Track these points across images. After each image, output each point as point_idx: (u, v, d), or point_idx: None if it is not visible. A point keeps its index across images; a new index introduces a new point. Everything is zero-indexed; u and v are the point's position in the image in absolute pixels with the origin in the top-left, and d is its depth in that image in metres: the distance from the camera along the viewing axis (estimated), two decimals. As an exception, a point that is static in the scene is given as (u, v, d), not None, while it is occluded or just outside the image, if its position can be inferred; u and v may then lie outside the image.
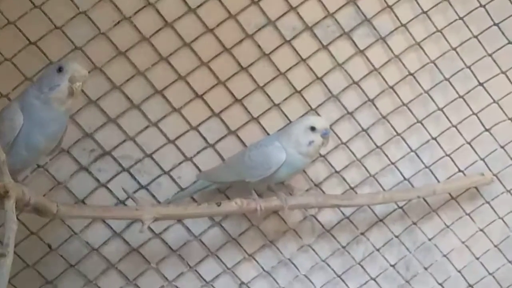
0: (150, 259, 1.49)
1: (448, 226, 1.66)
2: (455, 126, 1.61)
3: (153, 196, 1.46)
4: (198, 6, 1.41)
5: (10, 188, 1.00)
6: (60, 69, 1.11)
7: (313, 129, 1.34)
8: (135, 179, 1.45)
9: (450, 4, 1.55)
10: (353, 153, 1.57)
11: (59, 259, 1.42)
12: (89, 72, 1.16)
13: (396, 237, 1.64)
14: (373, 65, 1.55)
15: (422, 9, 1.55)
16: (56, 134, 1.15)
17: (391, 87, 1.57)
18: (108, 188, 1.43)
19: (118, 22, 1.38)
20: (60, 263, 1.43)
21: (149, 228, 1.35)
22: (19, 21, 1.32)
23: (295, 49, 1.50)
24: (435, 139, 1.61)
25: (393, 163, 1.60)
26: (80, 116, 1.38)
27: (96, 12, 1.36)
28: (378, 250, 1.63)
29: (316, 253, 1.60)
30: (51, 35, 1.35)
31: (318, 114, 1.51)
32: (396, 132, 1.59)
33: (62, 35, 1.35)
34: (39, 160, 1.30)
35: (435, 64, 1.58)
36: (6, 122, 1.10)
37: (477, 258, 1.69)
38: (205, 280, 1.53)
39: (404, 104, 1.58)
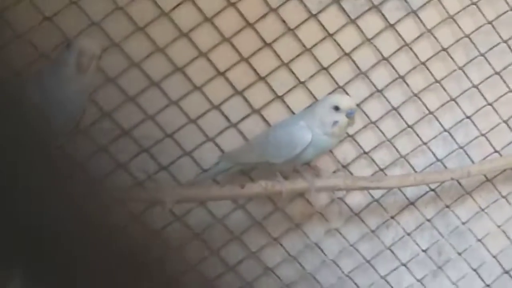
0: (172, 243, 1.45)
1: (483, 209, 1.60)
2: (491, 104, 1.55)
3: (174, 177, 1.42)
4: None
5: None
6: (68, 45, 1.08)
7: (337, 108, 1.27)
8: (155, 160, 1.40)
9: (486, -25, 1.49)
10: (383, 133, 1.51)
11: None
12: (106, 49, 1.12)
13: (428, 220, 1.58)
14: (404, 40, 1.48)
15: (456, -19, 1.48)
16: (72, 114, 1.13)
17: (423, 63, 1.51)
18: (127, 170, 1.39)
19: (137, -4, 1.33)
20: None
21: (170, 211, 1.31)
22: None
23: (321, 24, 1.44)
24: (469, 117, 1.55)
25: (425, 143, 1.54)
26: (98, 94, 1.34)
27: (114, -15, 1.32)
28: (409, 234, 1.58)
29: (344, 237, 1.54)
30: (67, 10, 1.30)
31: (346, 92, 1.46)
32: (429, 111, 1.53)
33: (78, 11, 1.31)
34: (57, 141, 1.26)
35: (470, 39, 1.52)
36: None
37: (514, 243, 1.62)
38: (228, 265, 1.49)
39: (437, 81, 1.52)
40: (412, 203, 1.57)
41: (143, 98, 1.38)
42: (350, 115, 1.28)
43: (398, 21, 1.47)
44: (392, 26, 1.47)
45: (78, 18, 1.31)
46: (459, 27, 1.51)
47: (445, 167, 1.56)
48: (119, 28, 1.34)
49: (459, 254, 1.61)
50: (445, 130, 1.55)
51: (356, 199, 1.54)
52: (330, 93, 1.44)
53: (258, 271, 1.51)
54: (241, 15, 1.39)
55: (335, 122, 1.28)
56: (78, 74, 1.08)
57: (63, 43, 1.20)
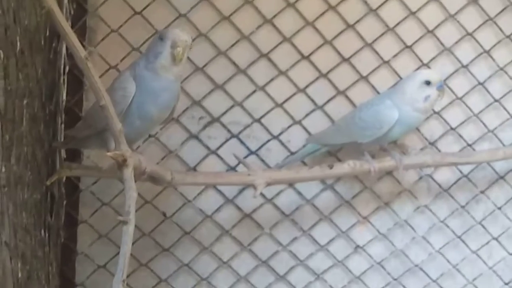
0: (263, 224, 1.48)
1: None
2: None
3: (263, 161, 1.45)
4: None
5: (128, 156, 1.01)
6: (161, 37, 1.11)
7: (428, 83, 1.28)
8: (244, 144, 1.44)
9: None
10: (469, 108, 1.50)
11: (174, 227, 1.44)
12: (193, 40, 1.15)
13: (520, 194, 1.56)
14: (488, 14, 1.47)
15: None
16: (169, 103, 1.15)
17: (508, 37, 1.49)
18: (218, 155, 1.43)
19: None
20: (175, 231, 1.44)
21: (261, 193, 1.33)
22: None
23: (403, 2, 1.44)
24: (558, 88, 1.51)
25: (512, 117, 1.52)
26: (188, 84, 1.38)
27: (199, -22, 1.35)
28: (499, 208, 1.57)
29: (434, 214, 1.54)
30: (155, 3, 1.34)
31: (430, 68, 1.45)
32: (516, 84, 1.50)
33: (166, 3, 1.35)
34: (152, 130, 1.31)
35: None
36: (118, 91, 1.11)
37: None
38: (319, 244, 1.51)
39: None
40: (502, 177, 1.55)
41: (230, 86, 1.41)
42: (440, 87, 1.28)
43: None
44: (474, 0, 1.46)
45: (166, 11, 1.35)
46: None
47: (535, 139, 1.53)
48: (205, 18, 1.37)
49: (552, 226, 1.58)
50: (533, 103, 1.53)
51: (444, 176, 1.53)
52: (415, 71, 1.43)
53: (349, 250, 1.53)
54: (324, -1, 1.40)
55: (427, 97, 1.28)
56: (173, 64, 1.10)
57: (154, 36, 1.23)
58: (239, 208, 1.46)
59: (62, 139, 1.32)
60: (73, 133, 1.25)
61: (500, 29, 1.48)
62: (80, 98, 1.35)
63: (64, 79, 1.31)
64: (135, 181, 1.02)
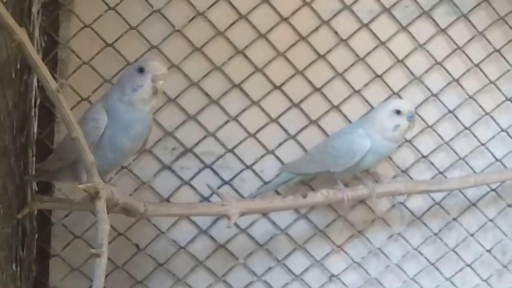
0: (238, 254, 1.47)
1: (545, 207, 1.59)
2: (547, 102, 1.54)
3: (237, 191, 1.45)
4: (271, -4, 1.39)
5: (100, 188, 1.00)
6: (141, 70, 1.10)
7: (398, 112, 1.29)
8: (218, 175, 1.44)
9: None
10: (440, 136, 1.52)
11: (147, 259, 1.43)
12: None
13: (491, 220, 1.58)
14: (456, 44, 1.50)
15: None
16: (142, 135, 1.15)
17: (477, 65, 1.51)
18: (191, 186, 1.42)
19: (193, 18, 1.37)
20: (149, 263, 1.43)
21: (235, 223, 1.33)
22: (94, 24, 1.32)
23: (373, 33, 1.46)
24: (526, 116, 1.54)
25: (483, 144, 1.55)
26: (160, 115, 1.37)
27: (170, 9, 1.35)
28: (472, 235, 1.58)
29: (407, 242, 1.55)
30: (127, 35, 1.34)
31: (401, 98, 1.47)
32: (485, 112, 1.53)
33: (137, 35, 1.35)
34: (125, 162, 1.30)
35: (522, 38, 1.52)
36: (90, 122, 1.10)
37: None
38: (294, 274, 1.51)
39: (491, 82, 1.52)
40: (474, 204, 1.57)
41: (203, 116, 1.41)
42: (411, 118, 1.30)
43: (449, 25, 1.48)
44: (443, 30, 1.48)
45: (137, 43, 1.35)
46: (510, 28, 1.51)
47: (505, 166, 1.55)
48: (176, 50, 1.37)
49: (524, 252, 1.60)
50: (502, 130, 1.55)
51: (417, 203, 1.54)
52: (386, 100, 1.45)
53: (323, 279, 1.52)
54: (294, 29, 1.41)
55: (397, 126, 1.29)
56: (153, 97, 1.10)
57: (127, 68, 1.23)
58: (213, 239, 1.45)
59: (34, 172, 1.30)
60: (44, 166, 1.23)
61: (469, 58, 1.51)
62: (51, 130, 1.33)
63: (35, 112, 1.30)
64: (108, 213, 1.01)
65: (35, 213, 1.33)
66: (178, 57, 1.38)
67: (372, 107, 1.45)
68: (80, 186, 1.00)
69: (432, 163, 1.53)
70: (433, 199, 1.54)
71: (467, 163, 1.54)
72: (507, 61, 1.52)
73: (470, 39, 1.50)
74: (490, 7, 1.50)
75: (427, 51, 1.48)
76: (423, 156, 1.52)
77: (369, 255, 1.54)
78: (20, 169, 1.24)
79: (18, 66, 1.20)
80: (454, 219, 1.57)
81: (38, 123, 1.32)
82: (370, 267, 1.55)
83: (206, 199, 1.43)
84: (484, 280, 1.61)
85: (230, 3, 1.38)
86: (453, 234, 1.58)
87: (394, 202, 1.53)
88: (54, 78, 1.04)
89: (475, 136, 1.54)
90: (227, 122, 1.42)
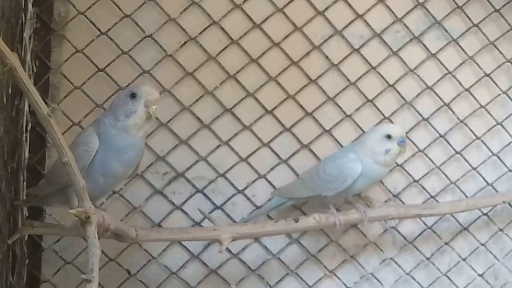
0: (230, 280, 1.47)
1: (537, 231, 1.58)
2: (538, 126, 1.55)
3: (229, 216, 1.44)
4: (263, 22, 1.40)
5: (91, 213, 1.00)
6: (133, 95, 1.10)
7: (389, 137, 1.30)
8: (209, 199, 1.43)
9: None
10: (431, 160, 1.52)
11: (139, 284, 1.41)
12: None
13: (483, 245, 1.58)
14: (446, 68, 1.51)
15: (494, 8, 1.50)
16: (133, 160, 1.15)
17: (467, 90, 1.52)
18: (183, 211, 1.42)
19: (184, 43, 1.37)
20: (140, 289, 1.42)
21: (227, 248, 1.32)
22: (86, 49, 1.32)
23: (364, 58, 1.46)
24: (517, 140, 1.55)
25: (474, 169, 1.55)
26: (152, 139, 1.37)
27: (162, 34, 1.36)
28: (464, 259, 1.58)
29: (400, 266, 1.55)
30: (118, 60, 1.35)
31: (392, 123, 1.47)
32: (476, 136, 1.54)
33: (129, 60, 1.35)
34: (116, 186, 1.30)
35: (511, 63, 1.53)
36: (81, 146, 1.10)
37: None
38: (286, 299, 1.50)
39: (482, 106, 1.53)
40: (466, 228, 1.57)
41: (195, 140, 1.41)
42: (401, 143, 1.30)
43: (440, 50, 1.50)
44: (433, 55, 1.49)
45: (129, 68, 1.36)
46: (500, 52, 1.52)
47: (496, 191, 1.56)
48: (168, 74, 1.38)
49: (516, 277, 1.60)
50: (493, 154, 1.56)
51: (408, 227, 1.54)
52: (377, 124, 1.45)
53: (316, 304, 1.52)
54: (286, 54, 1.42)
55: (387, 151, 1.30)
56: (146, 122, 1.10)
57: (119, 93, 1.23)
58: (204, 264, 1.45)
59: (25, 197, 1.30)
60: (35, 190, 1.23)
61: (459, 83, 1.51)
62: (42, 155, 1.33)
63: (26, 137, 1.30)
64: (99, 238, 1.00)
65: (26, 238, 1.32)
66: (169, 81, 1.38)
67: (363, 132, 1.45)
68: (70, 211, 1.00)
69: (423, 187, 1.53)
70: (425, 224, 1.54)
71: (458, 188, 1.55)
72: (497, 85, 1.53)
73: (461, 64, 1.51)
74: (480, 32, 1.51)
75: (418, 75, 1.49)
76: (415, 181, 1.52)
77: (361, 280, 1.53)
78: (11, 194, 1.24)
79: (10, 91, 1.20)
80: (446, 244, 1.57)
81: (30, 148, 1.32)
82: (362, 292, 1.54)
83: (198, 224, 1.42)
84: (477, 305, 1.61)
85: (222, 29, 1.38)
86: (445, 259, 1.58)
87: (386, 227, 1.53)
88: (46, 103, 1.03)
89: (466, 161, 1.54)
90: (218, 146, 1.42)
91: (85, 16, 1.31)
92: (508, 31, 1.52)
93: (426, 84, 1.50)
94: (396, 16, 1.47)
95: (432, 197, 1.53)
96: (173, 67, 1.38)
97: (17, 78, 0.92)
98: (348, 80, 1.46)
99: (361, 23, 1.45)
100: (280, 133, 1.45)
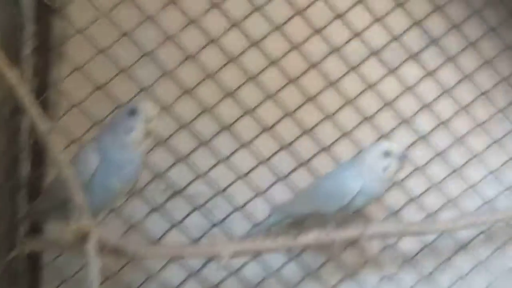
0: (229, 296, 1.46)
1: (538, 248, 1.58)
2: (538, 143, 1.55)
3: (227, 233, 1.44)
4: (261, 40, 1.42)
5: (90, 229, 1.00)
6: (132, 112, 1.11)
7: (387, 154, 1.30)
8: (208, 217, 1.43)
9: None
10: (431, 177, 1.52)
11: (137, 302, 1.42)
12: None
13: (483, 262, 1.57)
14: (442, 87, 1.52)
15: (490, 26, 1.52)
16: (133, 176, 1.16)
17: (465, 108, 1.53)
18: (182, 227, 1.42)
19: (184, 61, 1.38)
20: (139, 306, 1.42)
21: (226, 265, 1.32)
22: (86, 66, 1.33)
23: (360, 75, 1.48)
24: (517, 157, 1.55)
25: (474, 185, 1.55)
26: (150, 156, 1.37)
27: (161, 52, 1.37)
28: (465, 275, 1.57)
29: (400, 283, 1.54)
30: (118, 78, 1.36)
31: (391, 140, 1.48)
32: (475, 153, 1.54)
33: (128, 77, 1.36)
34: (115, 203, 1.30)
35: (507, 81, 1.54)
36: (80, 162, 1.11)
37: None
38: (286, 317, 1.49)
39: (480, 124, 1.53)
40: (466, 245, 1.56)
41: (193, 158, 1.42)
42: (400, 160, 1.30)
43: (437, 68, 1.50)
44: (431, 74, 1.50)
45: (128, 85, 1.37)
46: (496, 72, 1.53)
47: (496, 207, 1.55)
48: (167, 92, 1.39)
49: (517, 294, 1.59)
50: (493, 171, 1.56)
51: (408, 244, 1.53)
52: (375, 141, 1.46)
53: (316, 322, 1.51)
54: (283, 71, 1.43)
55: (386, 167, 1.30)
56: (145, 138, 1.11)
57: (118, 110, 1.24)
58: (203, 281, 1.44)
59: (24, 213, 1.30)
60: (35, 206, 1.23)
61: (456, 101, 1.52)
62: (43, 172, 1.34)
63: (26, 153, 1.31)
64: (98, 255, 1.00)
65: (26, 254, 1.32)
66: (168, 99, 1.39)
67: (362, 149, 1.45)
68: (70, 227, 1.00)
69: (423, 205, 1.53)
70: (424, 240, 1.54)
71: (458, 205, 1.54)
72: (495, 103, 1.54)
73: (459, 81, 1.52)
74: (476, 50, 1.52)
75: (415, 93, 1.50)
76: (414, 198, 1.52)
77: (362, 297, 1.53)
78: (11, 210, 1.24)
79: (10, 108, 1.21)
80: (447, 260, 1.56)
81: (30, 165, 1.32)
82: (363, 310, 1.54)
83: (197, 241, 1.42)
84: (478, 322, 1.59)
85: (220, 47, 1.40)
86: (445, 276, 1.57)
87: (386, 244, 1.52)
88: (45, 119, 1.04)
89: (466, 177, 1.54)
90: (217, 163, 1.42)
91: (84, 33, 1.32)
92: (504, 49, 1.53)
93: (424, 102, 1.51)
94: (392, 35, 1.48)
95: (431, 214, 1.53)
96: (171, 84, 1.39)
97: (17, 95, 0.93)
98: (346, 98, 1.47)
99: (358, 42, 1.47)
100: (279, 150, 1.45)
